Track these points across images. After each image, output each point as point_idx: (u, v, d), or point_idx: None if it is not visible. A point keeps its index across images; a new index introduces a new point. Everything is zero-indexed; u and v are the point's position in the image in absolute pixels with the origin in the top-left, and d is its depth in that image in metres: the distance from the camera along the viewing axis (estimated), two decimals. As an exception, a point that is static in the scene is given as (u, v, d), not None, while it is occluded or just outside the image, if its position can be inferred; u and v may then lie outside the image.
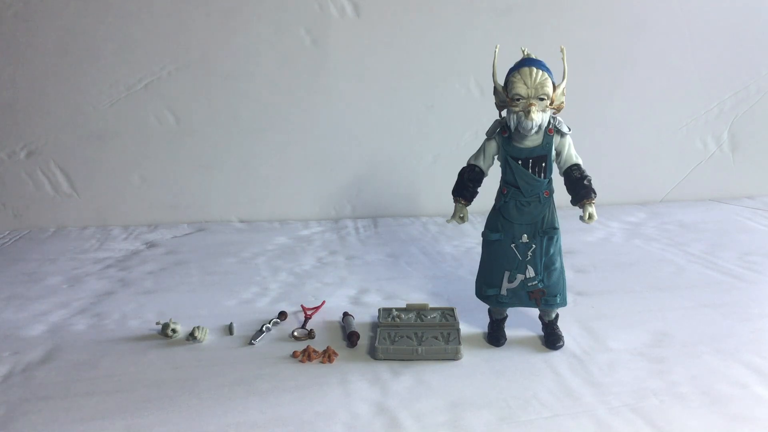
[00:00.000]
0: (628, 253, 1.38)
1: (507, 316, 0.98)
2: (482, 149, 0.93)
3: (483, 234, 0.94)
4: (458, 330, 0.97)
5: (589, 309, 1.08)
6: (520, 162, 0.89)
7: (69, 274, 1.31)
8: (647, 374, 0.86)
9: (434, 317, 1.02)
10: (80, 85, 1.60)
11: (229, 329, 1.02)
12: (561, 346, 0.94)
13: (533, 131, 0.87)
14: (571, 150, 0.90)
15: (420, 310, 1.04)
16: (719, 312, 1.05)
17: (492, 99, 0.91)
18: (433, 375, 0.87)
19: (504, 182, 0.92)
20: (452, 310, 1.04)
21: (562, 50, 0.90)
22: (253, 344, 0.97)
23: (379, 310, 1.04)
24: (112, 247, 1.49)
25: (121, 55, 1.59)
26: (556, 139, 0.89)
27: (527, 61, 0.87)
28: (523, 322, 1.01)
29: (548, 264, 0.92)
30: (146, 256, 1.43)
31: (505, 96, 0.87)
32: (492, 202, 0.93)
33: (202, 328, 0.99)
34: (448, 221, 0.95)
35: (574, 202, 0.91)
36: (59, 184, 1.65)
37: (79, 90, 1.60)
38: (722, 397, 0.80)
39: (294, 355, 0.93)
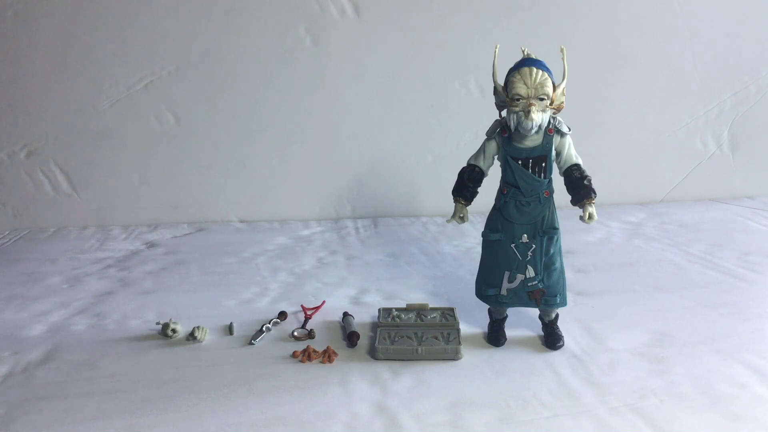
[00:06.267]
0: (628, 253, 1.37)
1: (507, 316, 0.98)
2: (482, 149, 0.93)
3: (483, 234, 0.94)
4: (458, 330, 0.97)
5: (589, 309, 1.08)
6: (520, 162, 0.89)
7: (69, 274, 1.31)
8: (647, 374, 0.86)
9: (434, 317, 1.02)
10: (80, 85, 1.60)
11: (229, 329, 1.02)
12: (561, 346, 0.94)
13: (533, 131, 0.87)
14: (571, 150, 0.90)
15: (420, 310, 1.04)
16: (719, 312, 1.05)
17: (492, 99, 0.91)
18: (433, 375, 0.87)
19: (504, 182, 0.92)
20: (452, 310, 1.04)
21: (562, 50, 0.90)
22: (253, 344, 0.97)
23: (379, 310, 1.04)
24: (112, 247, 1.49)
25: (121, 55, 1.59)
26: (556, 139, 0.89)
27: (527, 61, 0.87)
28: (523, 322, 1.01)
29: (548, 264, 0.92)
30: (146, 256, 1.43)
31: (505, 96, 0.87)
32: (492, 202, 0.93)
33: (202, 328, 0.99)
34: (448, 221, 0.95)
35: (574, 202, 0.91)
36: (59, 184, 1.65)
37: (79, 90, 1.60)
38: (722, 397, 0.80)
39: (294, 355, 0.93)
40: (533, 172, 0.89)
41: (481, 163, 0.93)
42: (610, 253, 1.38)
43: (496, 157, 0.92)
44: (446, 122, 1.68)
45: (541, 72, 0.85)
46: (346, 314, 1.05)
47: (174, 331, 0.99)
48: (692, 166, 1.79)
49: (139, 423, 0.77)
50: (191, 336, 0.98)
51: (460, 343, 0.93)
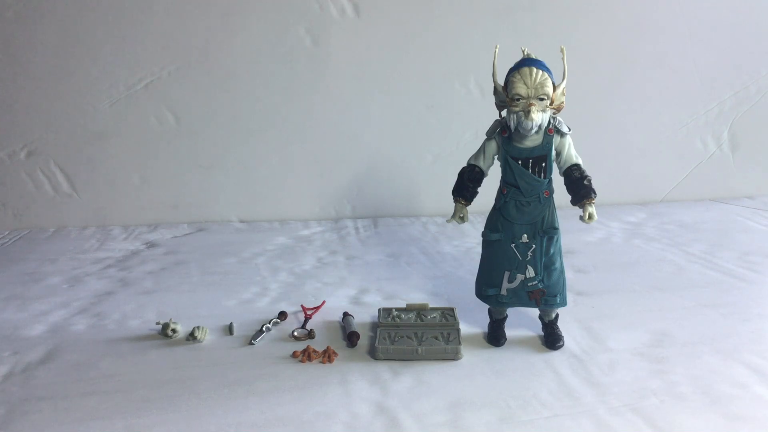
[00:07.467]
0: (628, 253, 1.37)
1: (507, 316, 0.98)
2: (482, 149, 0.93)
3: (483, 234, 0.94)
4: (458, 330, 0.97)
5: (589, 309, 1.08)
6: (520, 162, 0.89)
7: (69, 274, 1.31)
8: (647, 374, 0.86)
9: (434, 317, 1.02)
10: (80, 85, 1.60)
11: (229, 329, 1.02)
12: (561, 346, 0.94)
13: (533, 131, 0.87)
14: (571, 150, 0.90)
15: (420, 310, 1.04)
16: (719, 312, 1.05)
17: (492, 99, 0.91)
18: (433, 375, 0.87)
19: (504, 182, 0.92)
20: (452, 310, 1.04)
21: (562, 50, 0.90)
22: (253, 344, 0.97)
23: (379, 310, 1.04)
24: (112, 247, 1.49)
25: (121, 55, 1.59)
26: (556, 139, 0.89)
27: (527, 61, 0.87)
28: (523, 322, 1.01)
29: (548, 264, 0.92)
30: (146, 256, 1.43)
31: (505, 96, 0.87)
32: (492, 202, 0.93)
33: (202, 328, 0.99)
34: (448, 221, 0.95)
35: (574, 202, 0.91)
36: (59, 184, 1.65)
37: (79, 90, 1.60)
38: (722, 397, 0.80)
39: (294, 355, 0.93)
40: (533, 172, 0.89)
41: (481, 163, 0.93)
42: (610, 253, 1.38)
43: (496, 157, 0.92)
44: (446, 122, 1.68)
45: (541, 72, 0.85)
46: (346, 314, 1.05)
47: (174, 331, 0.99)
48: (692, 166, 1.79)
49: (139, 423, 0.77)
50: (191, 336, 0.98)
51: (460, 343, 0.93)
